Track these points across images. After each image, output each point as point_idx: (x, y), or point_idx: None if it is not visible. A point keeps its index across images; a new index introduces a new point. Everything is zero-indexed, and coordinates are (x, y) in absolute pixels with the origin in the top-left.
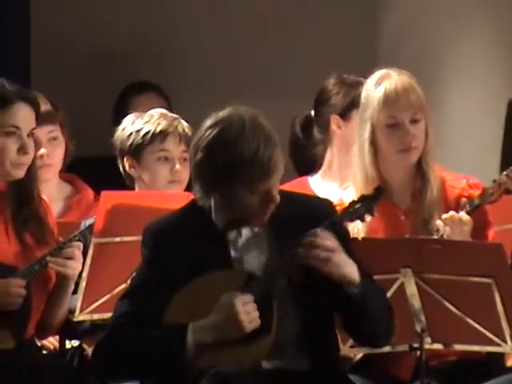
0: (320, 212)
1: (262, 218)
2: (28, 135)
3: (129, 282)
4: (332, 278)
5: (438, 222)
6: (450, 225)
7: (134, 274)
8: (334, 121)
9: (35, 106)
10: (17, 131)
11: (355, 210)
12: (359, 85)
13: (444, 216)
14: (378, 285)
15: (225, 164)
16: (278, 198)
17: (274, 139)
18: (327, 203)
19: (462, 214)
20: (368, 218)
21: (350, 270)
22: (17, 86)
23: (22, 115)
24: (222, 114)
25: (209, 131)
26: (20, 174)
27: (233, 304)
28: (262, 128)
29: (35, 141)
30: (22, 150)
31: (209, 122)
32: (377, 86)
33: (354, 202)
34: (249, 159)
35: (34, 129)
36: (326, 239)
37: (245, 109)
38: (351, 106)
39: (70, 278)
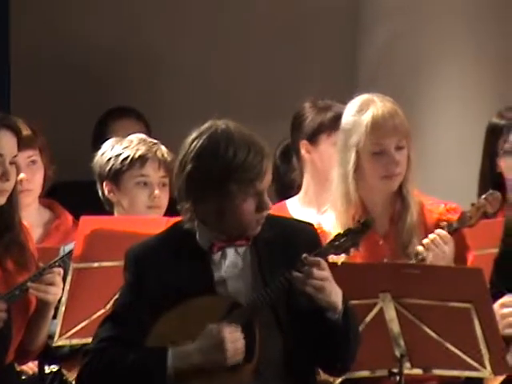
0: (303, 236)
1: (254, 229)
2: (10, 162)
3: (108, 307)
4: (317, 305)
5: (419, 247)
6: (432, 248)
7: (116, 298)
8: (303, 146)
9: (17, 132)
10: None
11: (341, 244)
12: (328, 109)
13: (425, 241)
14: (353, 311)
15: (218, 170)
16: (269, 204)
17: (261, 145)
18: (310, 228)
19: (441, 231)
20: (352, 251)
21: (336, 298)
22: None
23: (4, 142)
24: (204, 126)
25: (195, 142)
26: (1, 200)
27: (220, 333)
28: (249, 135)
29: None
30: (3, 176)
31: (193, 135)
32: (362, 113)
33: (339, 235)
34: (241, 162)
35: (15, 156)
36: (323, 268)
37: (226, 120)
38: (318, 130)
39: (50, 304)
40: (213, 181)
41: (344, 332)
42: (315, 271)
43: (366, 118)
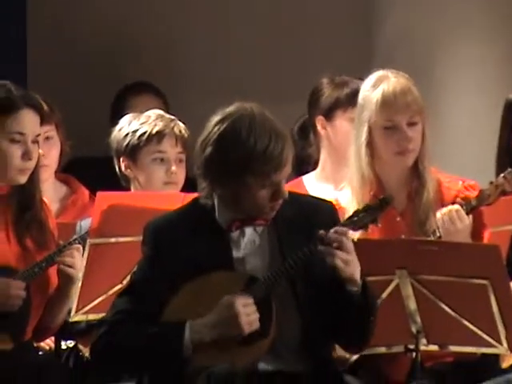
0: (323, 214)
1: (268, 214)
2: (33, 141)
3: (124, 282)
4: (340, 277)
5: (441, 213)
6: (448, 222)
7: (134, 270)
8: (319, 121)
9: (40, 111)
10: (22, 138)
11: (359, 219)
12: (345, 85)
13: (437, 215)
14: (370, 287)
15: (237, 158)
16: (286, 193)
17: (283, 133)
18: (329, 205)
19: (454, 207)
20: (371, 227)
21: (357, 270)
22: (22, 90)
23: (28, 121)
24: (229, 109)
25: (218, 126)
26: (24, 179)
27: (233, 304)
28: (272, 122)
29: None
30: (26, 155)
31: (217, 118)
32: (374, 88)
33: (358, 211)
34: (261, 152)
35: (38, 135)
36: (343, 241)
37: (252, 104)
38: (334, 106)
39: (72, 280)
40: (231, 168)
41: (363, 305)
42: (345, 242)
43: (377, 93)
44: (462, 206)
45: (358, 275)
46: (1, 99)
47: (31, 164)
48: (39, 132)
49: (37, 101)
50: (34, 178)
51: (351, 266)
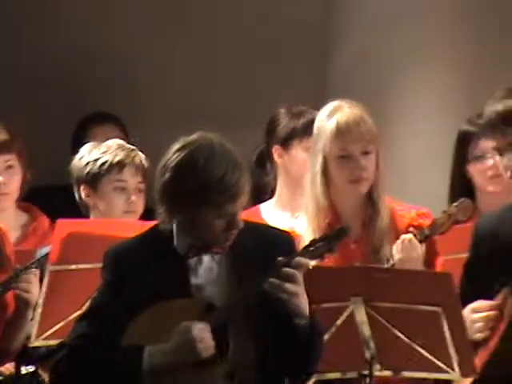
0: (280, 244)
1: (224, 244)
2: None
3: (84, 308)
4: (288, 309)
5: (396, 244)
6: (403, 250)
7: (94, 296)
8: (276, 151)
9: None
10: None
11: (316, 249)
12: (301, 115)
13: (397, 242)
14: (317, 321)
15: (194, 187)
16: (241, 223)
17: (240, 164)
18: (287, 235)
19: (407, 236)
20: (327, 256)
21: (305, 303)
22: None
23: None
24: (190, 138)
25: (177, 153)
26: None
27: (190, 330)
28: (230, 153)
29: None
30: None
31: (177, 146)
32: (329, 118)
33: (315, 240)
34: (217, 182)
35: None
36: (295, 276)
37: (212, 134)
38: (291, 135)
39: (29, 304)
40: (187, 196)
41: (310, 338)
42: (296, 274)
43: (331, 124)
44: (415, 235)
45: (305, 308)
46: None
47: None
48: None
49: None
50: None
51: (298, 298)
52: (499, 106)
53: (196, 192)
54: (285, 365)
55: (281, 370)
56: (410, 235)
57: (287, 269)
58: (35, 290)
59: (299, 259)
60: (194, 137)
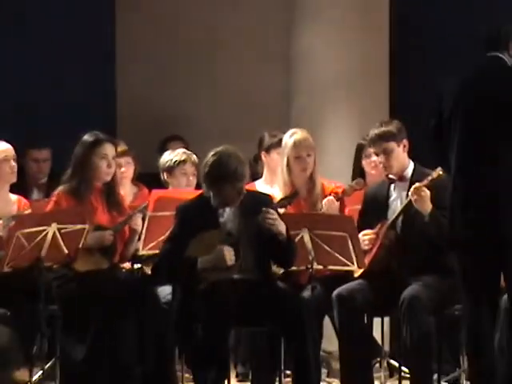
0: (265, 201)
1: (236, 201)
2: (112, 158)
3: (166, 234)
4: (272, 232)
5: (324, 201)
6: (327, 205)
7: (171, 230)
8: (263, 155)
9: (115, 144)
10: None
11: (282, 203)
12: (276, 135)
13: (324, 201)
14: (292, 237)
15: (220, 174)
16: (245, 191)
17: (244, 162)
18: (268, 196)
19: (330, 197)
20: (288, 206)
21: (282, 227)
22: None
23: (109, 151)
24: (218, 148)
25: (212, 156)
26: (109, 178)
27: (222, 249)
28: (239, 156)
29: (117, 164)
30: (108, 167)
31: (212, 152)
32: (290, 138)
33: (282, 199)
34: (233, 172)
35: (114, 157)
36: (274, 214)
37: (230, 146)
38: (271, 146)
39: (137, 232)
40: (216, 179)
41: (288, 247)
42: (270, 212)
43: (291, 140)
44: (334, 197)
45: (283, 230)
46: None
47: (112, 171)
48: (115, 155)
49: (113, 140)
50: (114, 180)
51: (275, 226)
52: (376, 131)
53: (221, 177)
54: (276, 261)
55: (274, 262)
56: (331, 197)
57: (268, 209)
58: (140, 224)
59: (266, 210)
60: (220, 147)
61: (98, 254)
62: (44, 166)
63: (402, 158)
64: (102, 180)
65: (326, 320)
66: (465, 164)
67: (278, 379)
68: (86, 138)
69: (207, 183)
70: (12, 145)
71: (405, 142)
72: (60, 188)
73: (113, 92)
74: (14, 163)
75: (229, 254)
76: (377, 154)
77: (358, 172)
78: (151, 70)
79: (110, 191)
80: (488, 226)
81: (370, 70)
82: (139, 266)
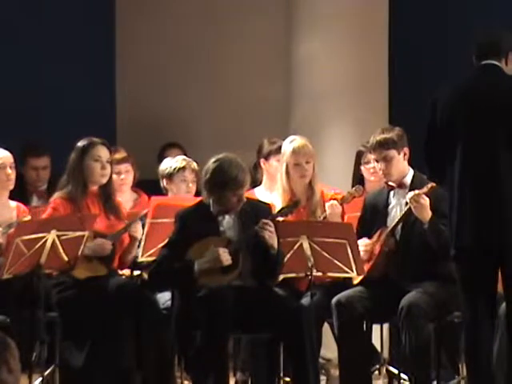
0: (264, 210)
1: (236, 209)
2: (106, 161)
3: (165, 241)
4: (266, 244)
5: (327, 205)
6: (331, 209)
7: (170, 236)
8: (262, 161)
9: (109, 148)
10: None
11: (283, 212)
12: (275, 142)
13: (327, 204)
14: (281, 251)
15: (221, 181)
16: (245, 199)
17: (245, 169)
18: (267, 206)
19: (334, 202)
20: (288, 216)
21: (274, 241)
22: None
23: (103, 154)
24: (219, 155)
25: (213, 163)
26: (104, 180)
27: (217, 250)
28: (240, 163)
29: (117, 170)
30: (103, 169)
31: (213, 159)
32: (289, 145)
33: (282, 208)
34: (233, 179)
35: (108, 160)
36: (271, 226)
37: (230, 154)
38: (270, 153)
39: (136, 239)
40: (217, 186)
41: (276, 261)
42: (269, 225)
43: (290, 147)
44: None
45: (274, 245)
46: None
47: (107, 173)
48: (109, 159)
49: (107, 144)
50: (109, 184)
51: (271, 237)
52: (377, 137)
53: (222, 184)
54: (264, 272)
55: (262, 274)
56: (335, 201)
57: (266, 220)
58: (140, 231)
59: (266, 220)
60: (221, 155)
61: (96, 260)
62: (43, 174)
63: (401, 165)
64: (97, 183)
65: (325, 327)
66: (470, 171)
67: None
68: (80, 143)
69: (208, 190)
70: (11, 152)
71: (405, 149)
72: (56, 194)
73: (113, 99)
74: (10, 170)
75: (224, 254)
76: (377, 161)
77: (358, 178)
78: (151, 77)
79: (107, 196)
80: (492, 234)
81: (369, 79)
82: (139, 272)
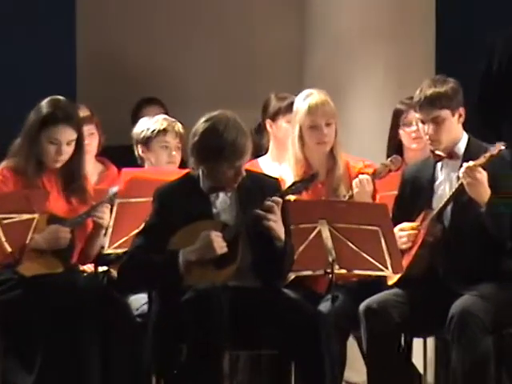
0: (269, 186)
1: (232, 185)
2: (67, 144)
3: (140, 228)
4: (270, 233)
5: (354, 181)
6: (359, 186)
7: (146, 220)
8: (268, 123)
9: (74, 123)
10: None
11: (297, 188)
12: (285, 98)
13: (355, 180)
14: (291, 242)
15: (214, 146)
16: (244, 172)
17: (246, 132)
18: (275, 180)
19: (365, 176)
20: (302, 193)
21: (280, 231)
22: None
23: (62, 134)
24: (213, 113)
25: (204, 123)
26: (59, 164)
27: (209, 234)
28: (239, 124)
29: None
30: (57, 154)
31: (204, 118)
32: (304, 101)
33: (294, 183)
34: (231, 144)
35: (71, 140)
36: (276, 210)
37: (228, 111)
38: (278, 112)
39: (102, 226)
40: (209, 153)
41: (283, 257)
42: (275, 208)
43: (305, 104)
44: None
45: (281, 235)
46: None
47: (63, 158)
48: (73, 138)
49: (72, 116)
50: (77, 158)
51: (275, 225)
52: (427, 92)
53: (215, 150)
54: (268, 269)
55: (266, 272)
56: (365, 176)
57: (268, 202)
58: (107, 217)
59: (275, 198)
60: (215, 112)
61: (49, 253)
62: None
63: (455, 130)
64: (50, 166)
65: (351, 341)
66: None
67: None
68: (43, 106)
69: (196, 159)
70: None
71: (461, 110)
72: (4, 163)
73: (72, 42)
74: None
75: (218, 240)
76: (423, 122)
77: (395, 146)
78: (124, 11)
79: (70, 172)
80: None
81: (408, 16)
82: (105, 268)
